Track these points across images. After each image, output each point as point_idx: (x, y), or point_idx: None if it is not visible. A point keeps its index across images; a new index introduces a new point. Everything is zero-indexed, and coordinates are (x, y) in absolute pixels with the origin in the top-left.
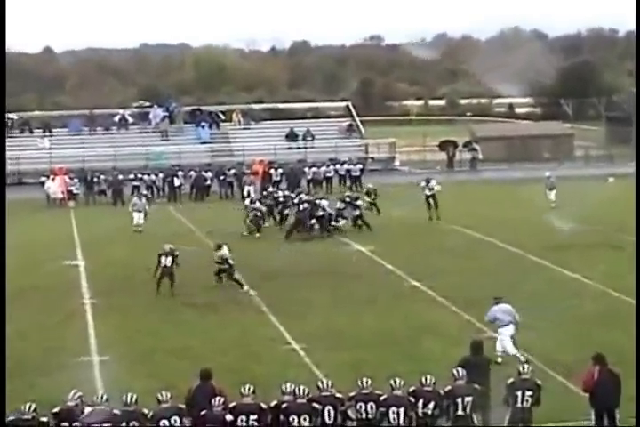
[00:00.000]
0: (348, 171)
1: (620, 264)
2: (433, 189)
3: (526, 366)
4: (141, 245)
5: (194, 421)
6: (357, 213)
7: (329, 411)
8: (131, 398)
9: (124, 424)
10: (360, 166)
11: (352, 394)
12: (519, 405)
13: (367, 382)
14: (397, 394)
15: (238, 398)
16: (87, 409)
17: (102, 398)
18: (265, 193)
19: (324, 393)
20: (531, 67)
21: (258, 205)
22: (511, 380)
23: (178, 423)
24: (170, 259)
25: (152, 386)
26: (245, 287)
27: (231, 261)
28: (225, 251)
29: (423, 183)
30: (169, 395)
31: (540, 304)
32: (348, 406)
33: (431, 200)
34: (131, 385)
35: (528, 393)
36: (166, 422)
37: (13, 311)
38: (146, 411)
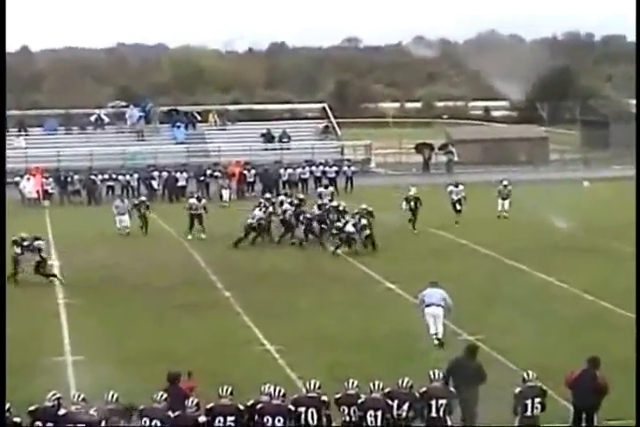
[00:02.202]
0: (324, 172)
1: (597, 268)
2: (460, 193)
3: (530, 372)
4: (117, 246)
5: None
6: (367, 232)
7: (312, 413)
8: (112, 397)
9: (103, 424)
10: (335, 168)
11: (337, 396)
12: (529, 413)
13: (353, 383)
14: (375, 397)
15: (214, 399)
16: (63, 411)
17: (78, 397)
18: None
19: (309, 394)
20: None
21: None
22: (518, 389)
23: (159, 424)
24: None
25: (126, 387)
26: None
27: (44, 254)
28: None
29: (451, 187)
30: (164, 395)
31: (517, 307)
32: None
33: (457, 205)
34: (105, 386)
35: (537, 400)
36: (147, 421)
37: None
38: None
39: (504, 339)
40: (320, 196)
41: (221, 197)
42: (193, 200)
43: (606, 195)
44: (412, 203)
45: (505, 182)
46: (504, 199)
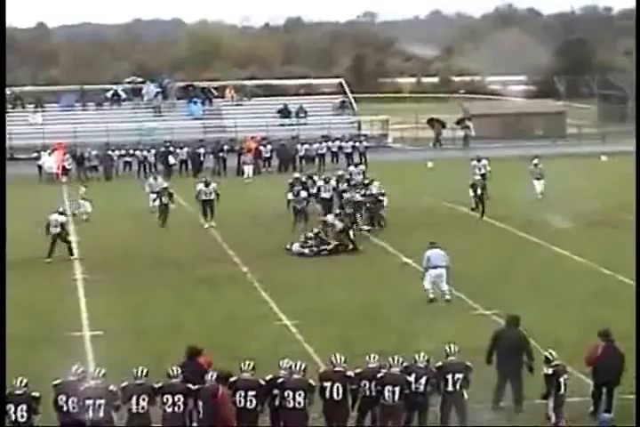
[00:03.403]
0: (340, 148)
1: (614, 243)
2: (483, 168)
3: (553, 352)
4: (134, 221)
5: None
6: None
7: (337, 388)
8: (141, 372)
9: (133, 398)
10: (352, 144)
11: (359, 371)
12: (562, 391)
13: (374, 357)
14: (394, 371)
15: (235, 373)
16: (85, 385)
17: (99, 373)
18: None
19: (336, 369)
20: (525, 44)
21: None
22: (548, 371)
23: (181, 402)
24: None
25: (143, 362)
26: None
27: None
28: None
29: (474, 162)
30: (179, 371)
31: (532, 281)
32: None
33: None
34: (122, 360)
35: (565, 377)
36: (169, 399)
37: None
38: (156, 385)
39: (520, 313)
40: (351, 174)
41: (242, 172)
42: (200, 186)
43: (624, 169)
44: (479, 189)
45: (535, 161)
46: (538, 179)
